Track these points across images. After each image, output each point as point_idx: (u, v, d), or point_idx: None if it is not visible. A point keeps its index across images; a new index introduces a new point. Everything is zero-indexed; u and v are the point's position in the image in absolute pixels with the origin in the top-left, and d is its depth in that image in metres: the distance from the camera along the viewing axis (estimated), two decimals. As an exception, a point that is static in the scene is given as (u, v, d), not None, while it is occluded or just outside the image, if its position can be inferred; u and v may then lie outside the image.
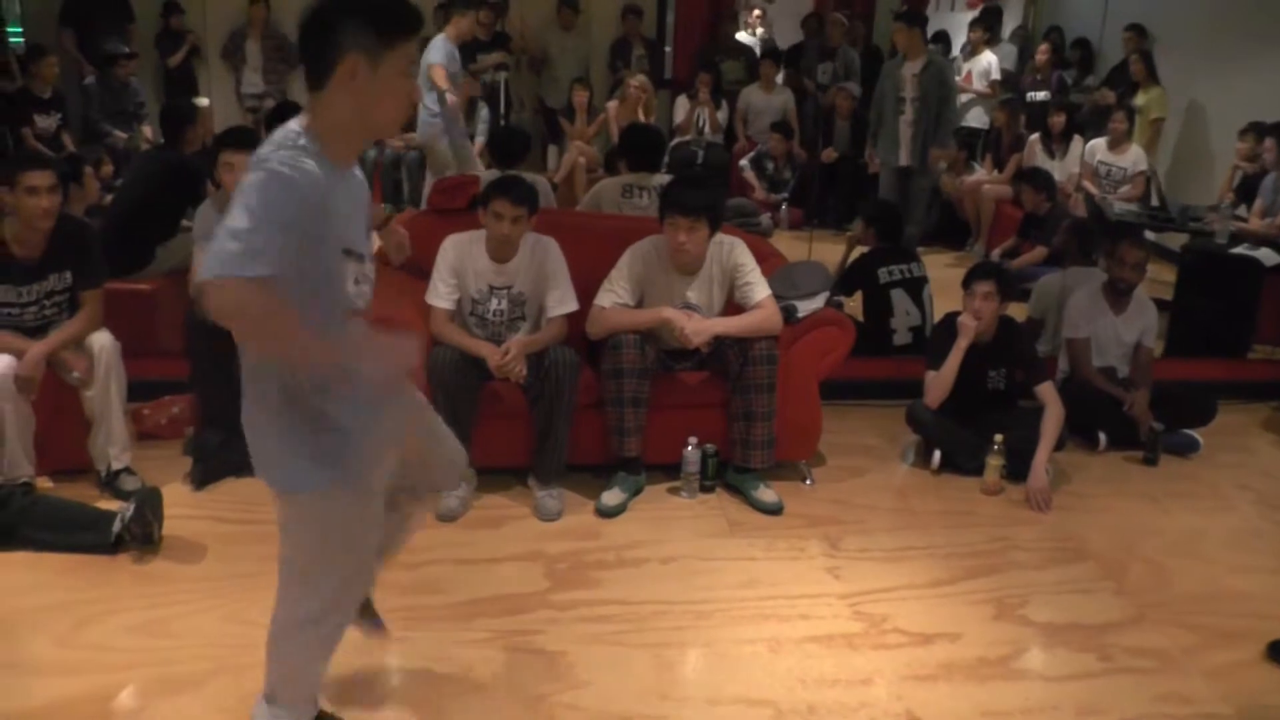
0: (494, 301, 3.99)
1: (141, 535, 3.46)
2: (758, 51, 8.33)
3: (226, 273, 1.85)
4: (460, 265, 3.96)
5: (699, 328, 3.96)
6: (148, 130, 6.59)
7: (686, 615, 3.36)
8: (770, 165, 7.61)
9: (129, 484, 3.84)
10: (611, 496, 4.00)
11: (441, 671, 2.98)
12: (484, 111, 7.23)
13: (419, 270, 4.07)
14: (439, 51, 6.12)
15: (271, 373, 2.11)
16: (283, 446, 2.14)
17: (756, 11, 8.58)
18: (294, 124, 2.00)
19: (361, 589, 2.48)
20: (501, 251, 3.95)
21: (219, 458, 4.05)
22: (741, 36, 8.65)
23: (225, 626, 3.18)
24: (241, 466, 3.99)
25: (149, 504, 3.49)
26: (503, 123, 7.01)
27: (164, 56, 7.38)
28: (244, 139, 4.07)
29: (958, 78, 7.77)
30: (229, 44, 7.60)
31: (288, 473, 2.16)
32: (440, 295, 3.95)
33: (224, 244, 1.87)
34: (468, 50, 7.26)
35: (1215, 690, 3.14)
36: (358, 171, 2.21)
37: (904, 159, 6.33)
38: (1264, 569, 3.87)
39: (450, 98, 6.10)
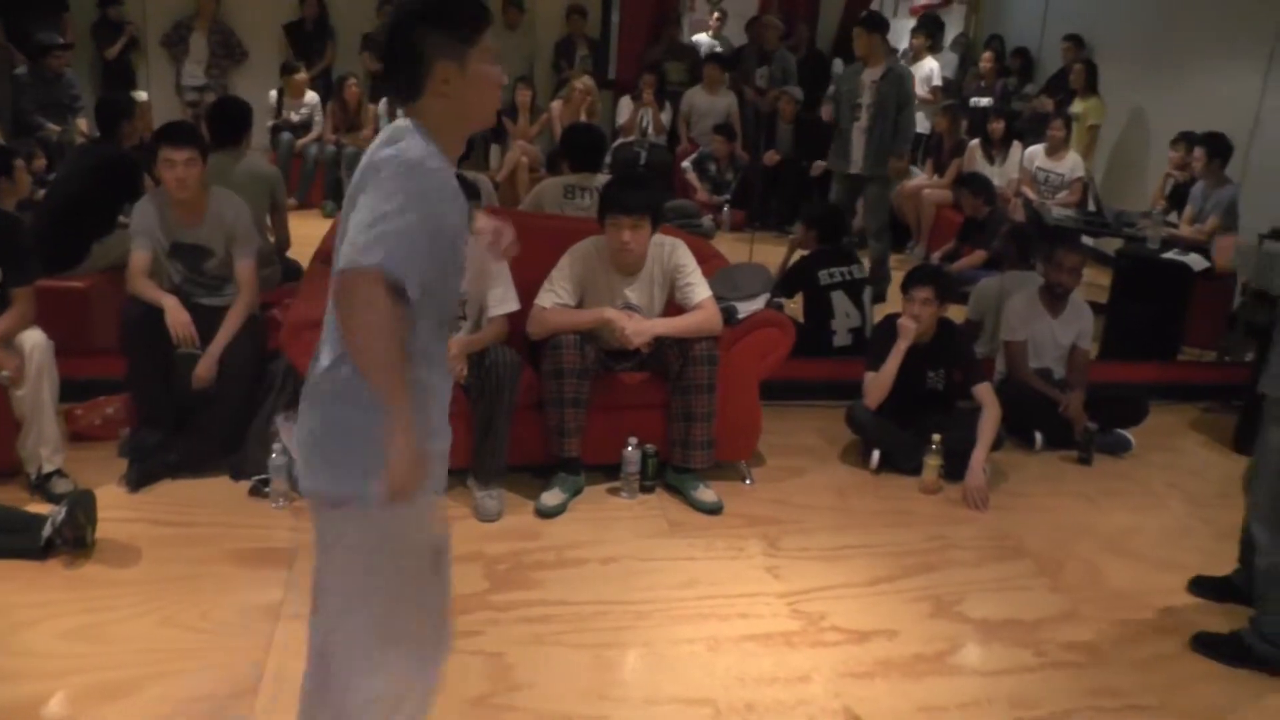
0: (435, 301, 3.97)
1: (74, 539, 3.39)
2: (705, 53, 8.35)
3: (355, 263, 1.84)
4: None
5: (640, 328, 3.97)
6: (83, 124, 6.48)
7: (626, 615, 3.37)
8: (713, 167, 7.65)
9: (61, 487, 3.76)
10: (551, 497, 4.00)
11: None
12: None
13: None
14: None
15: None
16: (366, 455, 1.93)
17: (716, 14, 8.60)
18: (405, 122, 2.00)
19: (433, 660, 2.23)
20: None
21: (155, 458, 3.99)
22: (701, 38, 8.68)
23: (161, 631, 3.13)
24: (179, 467, 3.99)
25: (81, 507, 3.42)
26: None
27: (100, 48, 7.26)
28: (184, 134, 4.02)
29: (898, 83, 7.88)
30: (172, 34, 7.50)
31: (363, 485, 1.95)
32: None
33: (367, 232, 1.85)
34: None
35: (1143, 682, 3.22)
36: None
37: (856, 166, 6.35)
38: (1192, 565, 3.95)
39: None
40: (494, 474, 3.96)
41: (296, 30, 7.65)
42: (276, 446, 3.82)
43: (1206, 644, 3.38)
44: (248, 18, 7.51)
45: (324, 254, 4.44)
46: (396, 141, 1.95)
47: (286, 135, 7.30)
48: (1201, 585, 3.75)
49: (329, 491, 2.02)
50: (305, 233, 5.23)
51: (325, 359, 2.01)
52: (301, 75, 7.25)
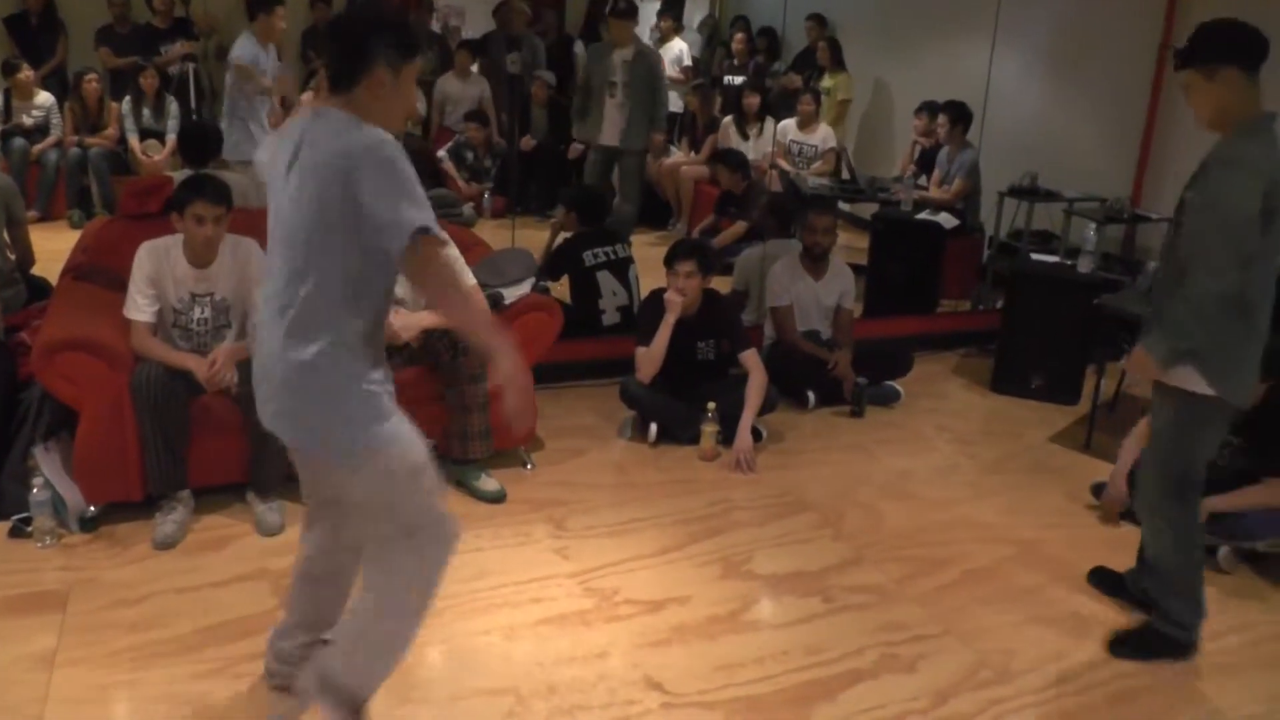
0: (197, 310, 3.76)
1: None
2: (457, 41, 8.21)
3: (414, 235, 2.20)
4: (158, 274, 3.70)
5: (407, 323, 3.87)
6: None
7: (418, 615, 3.26)
8: (470, 155, 7.52)
9: None
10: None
11: (176, 709, 2.75)
12: (173, 106, 6.82)
13: (116, 282, 3.77)
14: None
15: (359, 336, 2.33)
16: (359, 409, 2.34)
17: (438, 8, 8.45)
18: (341, 113, 2.27)
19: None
20: (203, 256, 3.72)
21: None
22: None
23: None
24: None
25: None
26: (195, 117, 6.63)
27: None
28: None
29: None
30: None
31: (372, 433, 2.34)
32: (139, 308, 3.68)
33: (416, 209, 2.21)
34: (149, 40, 6.83)
35: (927, 613, 3.36)
36: None
37: (614, 140, 6.44)
38: (962, 499, 4.15)
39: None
40: (274, 484, 3.76)
41: (19, 24, 7.03)
42: (37, 481, 3.51)
43: (1122, 642, 3.24)
44: (-47, 9, 6.82)
45: (74, 268, 4.13)
46: (355, 130, 2.22)
47: (20, 141, 6.72)
48: (1101, 578, 3.57)
49: (348, 445, 2.35)
50: (51, 247, 4.89)
51: (313, 346, 2.28)
52: (25, 74, 6.67)
